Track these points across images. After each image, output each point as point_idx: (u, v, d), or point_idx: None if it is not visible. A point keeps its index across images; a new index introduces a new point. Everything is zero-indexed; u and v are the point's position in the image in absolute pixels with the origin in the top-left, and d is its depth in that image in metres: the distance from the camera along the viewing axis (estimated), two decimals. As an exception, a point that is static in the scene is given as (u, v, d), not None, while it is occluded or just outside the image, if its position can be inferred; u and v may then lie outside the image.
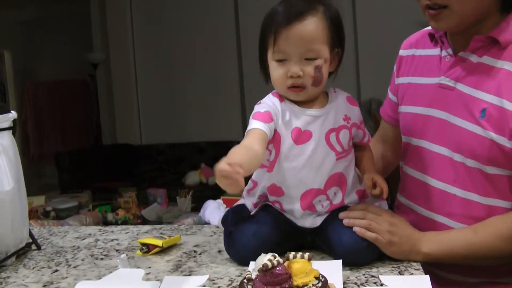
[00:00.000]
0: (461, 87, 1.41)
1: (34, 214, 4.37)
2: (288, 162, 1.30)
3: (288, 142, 1.29)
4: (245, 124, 6.61)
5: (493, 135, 1.33)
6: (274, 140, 1.29)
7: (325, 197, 1.32)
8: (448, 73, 1.44)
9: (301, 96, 1.30)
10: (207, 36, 6.82)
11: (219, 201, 2.49)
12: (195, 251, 1.45)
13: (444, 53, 1.47)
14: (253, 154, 1.18)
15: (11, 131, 1.49)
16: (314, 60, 1.27)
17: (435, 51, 1.51)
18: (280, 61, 1.29)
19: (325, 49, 1.28)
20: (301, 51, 1.26)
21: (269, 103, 1.31)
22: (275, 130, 1.28)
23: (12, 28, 8.11)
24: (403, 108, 1.58)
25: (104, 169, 6.83)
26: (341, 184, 1.34)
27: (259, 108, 1.30)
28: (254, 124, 1.26)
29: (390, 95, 1.70)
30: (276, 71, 1.30)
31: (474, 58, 1.40)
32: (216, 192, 5.09)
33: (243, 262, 1.29)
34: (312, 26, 1.26)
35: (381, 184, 1.35)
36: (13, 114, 1.49)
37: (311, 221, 1.33)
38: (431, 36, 1.51)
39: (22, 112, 7.88)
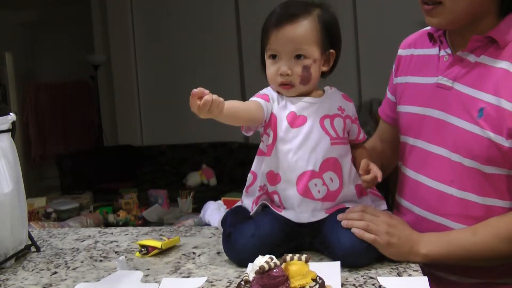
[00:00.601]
0: (458, 86, 1.41)
1: (35, 215, 4.37)
2: (284, 144, 1.34)
3: (284, 125, 1.34)
4: (246, 125, 6.66)
5: (491, 135, 1.32)
6: (271, 123, 1.35)
7: (321, 181, 1.33)
8: (446, 73, 1.44)
9: (291, 92, 1.37)
10: (208, 37, 6.82)
11: (220, 202, 2.49)
12: (194, 253, 1.45)
13: (442, 52, 1.47)
14: (243, 104, 1.33)
15: (10, 133, 1.49)
16: (302, 60, 1.34)
17: (434, 50, 1.51)
18: (273, 59, 1.37)
19: (315, 50, 1.35)
20: (290, 50, 1.34)
21: (266, 91, 1.40)
22: (272, 114, 1.36)
23: (13, 30, 8.13)
24: (401, 108, 1.58)
25: (106, 171, 6.82)
26: (337, 170, 1.35)
27: (258, 93, 1.40)
28: (252, 99, 1.37)
29: (388, 94, 1.70)
30: (269, 68, 1.39)
31: (472, 58, 1.40)
32: (217, 193, 5.12)
33: (242, 263, 1.29)
34: (301, 28, 1.34)
35: (376, 172, 1.35)
36: (11, 116, 1.49)
37: (309, 215, 1.33)
38: (430, 35, 1.51)
39: (23, 114, 7.89)
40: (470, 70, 1.40)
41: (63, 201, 5.19)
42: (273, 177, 1.36)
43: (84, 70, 7.73)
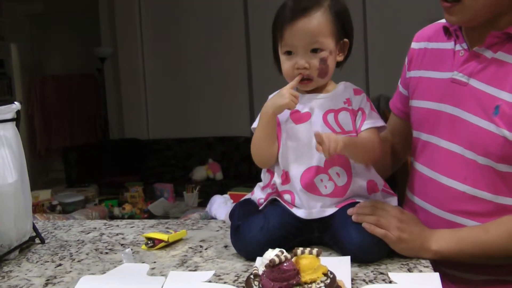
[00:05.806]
0: (474, 82, 1.38)
1: (40, 208, 4.38)
2: (290, 141, 1.35)
3: (289, 123, 1.36)
4: (253, 119, 6.65)
5: (506, 133, 1.30)
6: (278, 122, 1.37)
7: (327, 177, 1.32)
8: (461, 68, 1.41)
9: (310, 86, 1.37)
10: (216, 31, 6.82)
11: (226, 196, 2.48)
12: (201, 246, 1.44)
13: (458, 47, 1.44)
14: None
15: (14, 122, 1.47)
16: (319, 53, 1.34)
17: (449, 44, 1.48)
18: (288, 54, 1.36)
19: (330, 42, 1.34)
20: (306, 44, 1.33)
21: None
22: None
23: (20, 22, 8.13)
24: (414, 103, 1.56)
25: (111, 164, 6.84)
26: (344, 164, 1.33)
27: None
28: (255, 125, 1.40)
29: (400, 88, 1.67)
30: (285, 63, 1.37)
31: (488, 54, 1.37)
32: (223, 188, 5.11)
33: (250, 257, 1.29)
34: (315, 20, 1.32)
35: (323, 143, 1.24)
36: (16, 105, 1.47)
37: (318, 210, 1.31)
38: (446, 29, 1.48)
39: (29, 106, 7.89)
40: (486, 66, 1.37)
41: (68, 194, 5.20)
42: (284, 176, 1.34)
43: (90, 63, 7.74)
